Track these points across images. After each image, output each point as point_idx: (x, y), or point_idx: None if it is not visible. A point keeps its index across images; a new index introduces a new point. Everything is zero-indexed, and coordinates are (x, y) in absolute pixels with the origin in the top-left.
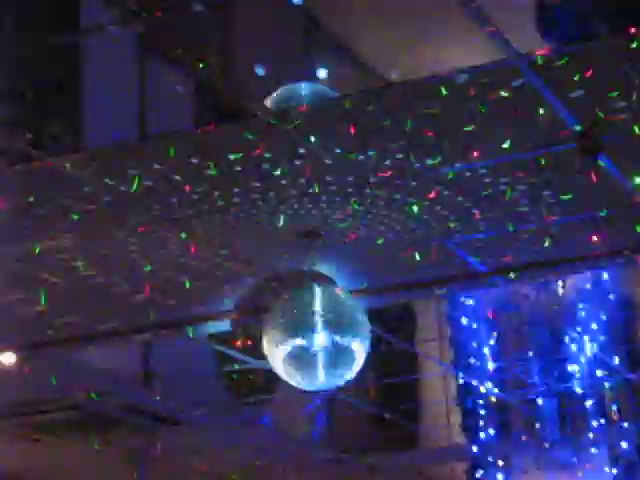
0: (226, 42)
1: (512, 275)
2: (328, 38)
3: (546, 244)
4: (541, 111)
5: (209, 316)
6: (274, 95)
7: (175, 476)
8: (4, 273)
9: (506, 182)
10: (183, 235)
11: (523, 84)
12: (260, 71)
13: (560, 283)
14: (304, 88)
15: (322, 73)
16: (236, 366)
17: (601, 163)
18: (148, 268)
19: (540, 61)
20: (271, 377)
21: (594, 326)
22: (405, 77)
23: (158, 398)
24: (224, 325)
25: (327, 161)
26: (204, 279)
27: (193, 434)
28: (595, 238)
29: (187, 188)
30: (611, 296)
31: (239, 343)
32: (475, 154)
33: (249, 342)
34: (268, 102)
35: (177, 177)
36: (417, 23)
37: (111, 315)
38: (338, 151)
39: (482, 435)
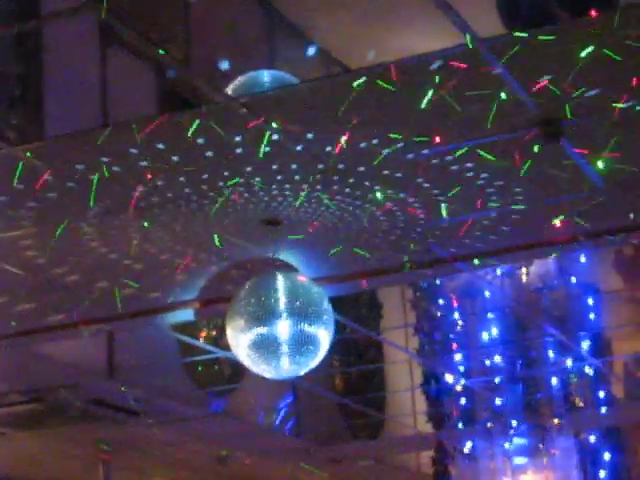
0: (187, 31)
1: (476, 261)
2: (289, 27)
3: (509, 230)
4: (503, 96)
5: (172, 306)
6: (236, 82)
7: (142, 468)
8: None
9: (469, 167)
10: (145, 224)
11: (485, 69)
12: (225, 65)
13: (524, 269)
14: (266, 75)
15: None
16: (200, 356)
17: (563, 148)
18: (111, 257)
19: (501, 46)
20: (238, 364)
21: (558, 312)
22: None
23: (123, 389)
24: (187, 315)
25: (290, 148)
26: (166, 268)
27: (159, 425)
28: (557, 223)
29: (149, 176)
30: (574, 280)
31: (203, 333)
32: (438, 139)
33: (213, 331)
34: (230, 89)
35: (139, 164)
36: (378, 9)
37: (73, 305)
38: (302, 138)
39: (448, 423)
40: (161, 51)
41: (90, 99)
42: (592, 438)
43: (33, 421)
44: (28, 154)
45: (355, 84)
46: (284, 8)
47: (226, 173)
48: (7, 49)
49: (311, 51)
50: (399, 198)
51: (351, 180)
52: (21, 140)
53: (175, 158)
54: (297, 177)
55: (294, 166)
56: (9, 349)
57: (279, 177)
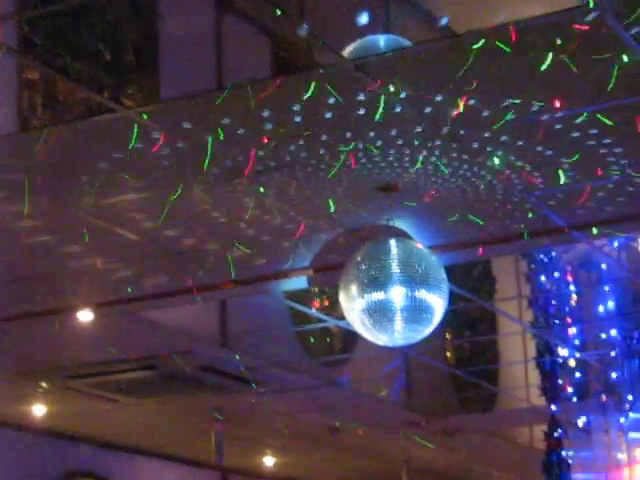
0: None
1: (594, 231)
2: None
3: (627, 199)
4: (624, 59)
5: (285, 273)
6: (352, 46)
7: (254, 437)
8: (80, 229)
9: (589, 134)
10: (261, 189)
11: (604, 31)
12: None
13: None
14: (382, 39)
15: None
16: (314, 325)
17: None
18: (224, 222)
19: (624, 6)
20: (349, 337)
21: None
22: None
23: (237, 357)
24: (301, 282)
25: (408, 112)
26: (279, 235)
27: (271, 394)
28: None
29: (265, 140)
30: None
31: (316, 302)
32: (557, 103)
33: (326, 300)
34: (346, 53)
35: (256, 127)
36: None
37: (186, 272)
38: (420, 102)
39: (561, 396)
40: (277, 11)
41: (205, 65)
42: None
43: (145, 389)
44: (144, 116)
45: (474, 46)
46: None
47: (347, 135)
48: (123, 16)
49: (443, 21)
50: (517, 165)
51: (469, 146)
52: (137, 105)
53: (296, 120)
54: (415, 142)
55: (411, 131)
56: (122, 316)
57: (396, 142)
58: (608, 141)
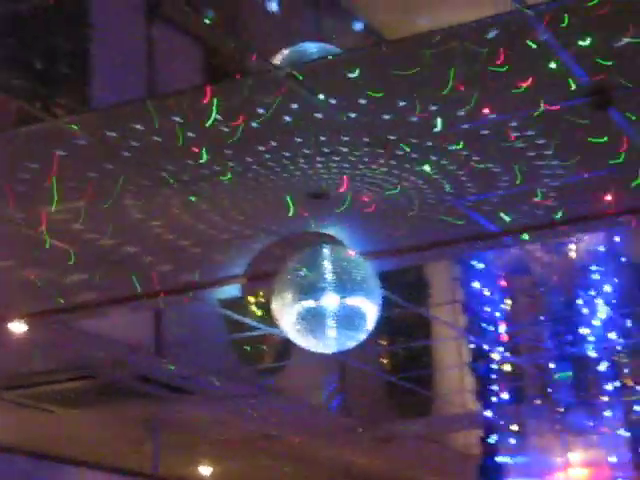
0: (232, 5)
1: (525, 236)
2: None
3: (558, 203)
4: (552, 65)
5: (219, 281)
6: (283, 54)
7: (190, 445)
8: (11, 241)
9: (518, 139)
10: (192, 198)
11: (534, 38)
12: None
13: (572, 246)
14: (313, 47)
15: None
16: (248, 333)
17: (612, 118)
18: (157, 234)
19: (550, 13)
20: (285, 344)
21: (607, 289)
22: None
23: (172, 367)
24: (234, 290)
25: (337, 120)
26: (212, 243)
27: (207, 403)
28: (608, 197)
29: (195, 149)
30: (623, 258)
31: (251, 308)
32: (486, 110)
33: (260, 307)
34: (277, 60)
35: (184, 138)
36: None
37: (120, 281)
38: (348, 109)
39: (496, 400)
40: (206, 20)
41: (137, 73)
42: None
43: (81, 399)
44: (74, 127)
45: (402, 53)
46: None
47: (274, 144)
48: (55, 26)
49: (358, 26)
50: (447, 171)
51: (398, 152)
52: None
53: (224, 130)
54: (343, 149)
55: (340, 138)
56: (56, 326)
57: (325, 149)
58: (539, 147)
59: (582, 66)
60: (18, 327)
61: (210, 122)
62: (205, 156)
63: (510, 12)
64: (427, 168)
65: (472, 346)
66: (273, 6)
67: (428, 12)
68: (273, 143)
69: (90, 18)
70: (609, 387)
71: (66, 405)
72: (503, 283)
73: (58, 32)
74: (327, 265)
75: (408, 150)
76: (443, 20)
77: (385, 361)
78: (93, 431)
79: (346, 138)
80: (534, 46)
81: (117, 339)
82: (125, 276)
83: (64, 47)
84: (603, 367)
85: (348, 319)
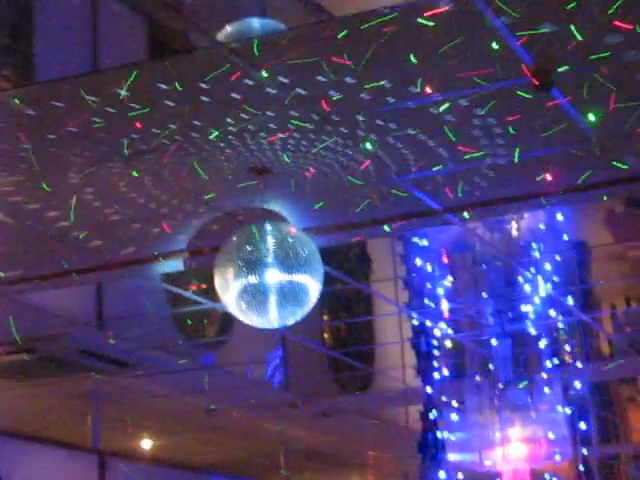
0: None
1: (466, 214)
2: None
3: (498, 182)
4: (495, 46)
5: (161, 256)
6: (226, 30)
7: (131, 419)
8: None
9: (460, 117)
10: (134, 173)
11: (478, 19)
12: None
13: (514, 224)
14: (256, 23)
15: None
16: (189, 307)
17: (554, 98)
18: (99, 208)
19: None
20: (226, 319)
21: (548, 267)
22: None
23: (112, 341)
24: (177, 265)
25: (279, 95)
26: (155, 218)
27: (148, 377)
28: (548, 176)
29: (138, 125)
30: (565, 236)
31: (192, 284)
32: (429, 89)
33: (202, 282)
34: (220, 36)
35: (127, 112)
36: None
37: (62, 255)
38: (291, 85)
39: (436, 376)
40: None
41: (80, 47)
42: (580, 393)
43: (21, 372)
44: (16, 100)
45: (343, 33)
46: None
47: (217, 118)
48: None
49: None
50: (390, 147)
51: (341, 129)
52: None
53: (169, 103)
54: (287, 125)
55: (283, 114)
56: None
57: (269, 125)
58: (477, 125)
59: (525, 47)
60: None
61: (153, 96)
62: (148, 130)
63: None
64: (369, 146)
65: (413, 322)
66: None
67: None
68: (217, 118)
69: None
70: (548, 364)
71: (6, 378)
72: (444, 260)
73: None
74: (269, 241)
75: (351, 127)
76: None
77: (327, 336)
78: (33, 404)
79: (291, 114)
80: (479, 26)
81: (59, 312)
82: (66, 249)
83: (6, 18)
84: (543, 344)
85: (290, 295)
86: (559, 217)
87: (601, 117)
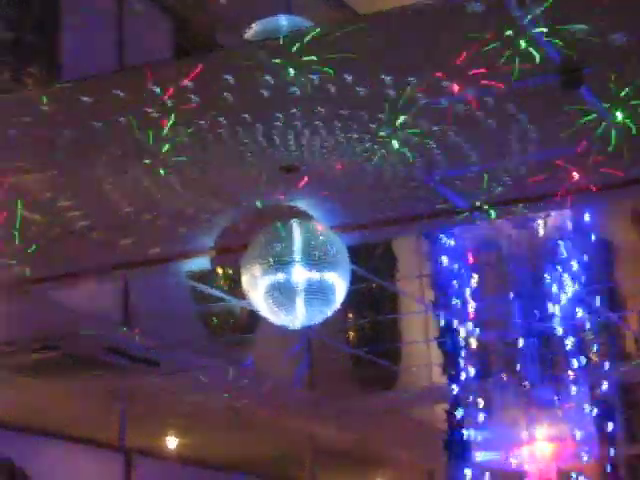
0: None
1: (492, 212)
2: None
3: (525, 180)
4: (522, 43)
5: (188, 253)
6: (252, 28)
7: (157, 417)
8: None
9: (489, 115)
10: (161, 171)
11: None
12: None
13: (541, 222)
14: (282, 20)
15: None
16: (216, 305)
17: (582, 96)
18: (126, 206)
19: None
20: (253, 317)
21: (575, 266)
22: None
23: (138, 339)
24: (204, 263)
25: (306, 93)
26: (182, 216)
27: (174, 375)
28: (576, 175)
29: (164, 122)
30: (592, 236)
31: (220, 281)
32: (456, 87)
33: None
34: (247, 35)
35: (155, 110)
36: None
37: (90, 253)
38: (319, 82)
39: (463, 375)
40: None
41: (106, 44)
42: (606, 393)
43: (49, 369)
44: (44, 98)
45: (378, 27)
46: None
47: (246, 116)
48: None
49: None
50: (419, 145)
51: (371, 126)
52: (37, 85)
53: (195, 99)
54: (316, 123)
55: (313, 111)
56: (25, 296)
57: (297, 123)
58: (506, 123)
59: (553, 44)
60: None
61: (180, 95)
62: (175, 129)
63: None
64: (395, 144)
65: (439, 321)
66: None
67: None
68: (245, 116)
69: None
70: (575, 363)
71: (31, 376)
72: (471, 258)
73: (26, 1)
74: (297, 239)
75: (378, 125)
76: None
77: (352, 334)
78: (59, 402)
79: (319, 111)
80: (507, 24)
81: (86, 310)
82: (93, 247)
83: (33, 16)
84: (569, 343)
85: (317, 293)
86: (586, 216)
87: (630, 115)
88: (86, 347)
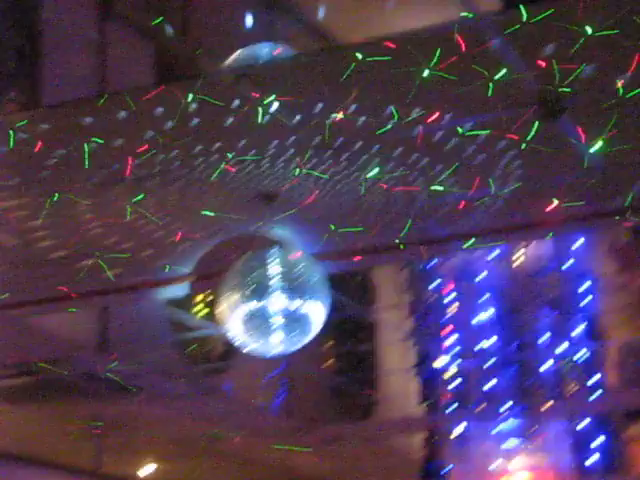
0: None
1: (471, 242)
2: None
3: (504, 210)
4: (502, 73)
5: (166, 280)
6: (235, 55)
7: (133, 444)
8: None
9: (467, 145)
10: (138, 197)
11: (484, 45)
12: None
13: (519, 252)
14: (264, 48)
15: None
16: (193, 333)
17: (561, 126)
18: (102, 230)
19: (502, 21)
20: (230, 344)
21: (553, 296)
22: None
23: (114, 365)
24: (182, 290)
25: (286, 121)
26: (159, 243)
27: (150, 402)
28: (553, 204)
29: (140, 149)
30: (569, 264)
31: (197, 308)
32: (435, 115)
33: (206, 307)
34: (229, 61)
35: (132, 136)
36: None
37: (66, 278)
38: (298, 111)
39: (440, 405)
40: (157, 20)
41: (88, 71)
42: (584, 423)
43: (23, 395)
44: (23, 123)
45: (354, 57)
46: None
47: (219, 145)
48: (5, 21)
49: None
50: (396, 175)
51: (347, 155)
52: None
53: (169, 126)
54: (292, 151)
55: (289, 140)
56: (2, 321)
57: (274, 151)
58: (483, 153)
59: (532, 74)
60: None
61: (159, 121)
62: (153, 155)
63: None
64: (375, 171)
65: (417, 349)
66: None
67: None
68: (220, 144)
69: (40, 13)
70: (553, 393)
71: (8, 401)
72: (450, 287)
73: (7, 27)
74: (275, 267)
75: (356, 153)
76: (397, 24)
77: (330, 363)
78: (34, 428)
79: (295, 140)
80: (485, 53)
81: (62, 335)
82: (70, 273)
83: (13, 42)
84: (548, 373)
85: (294, 322)
86: (566, 246)
87: (609, 145)
88: (62, 372)
